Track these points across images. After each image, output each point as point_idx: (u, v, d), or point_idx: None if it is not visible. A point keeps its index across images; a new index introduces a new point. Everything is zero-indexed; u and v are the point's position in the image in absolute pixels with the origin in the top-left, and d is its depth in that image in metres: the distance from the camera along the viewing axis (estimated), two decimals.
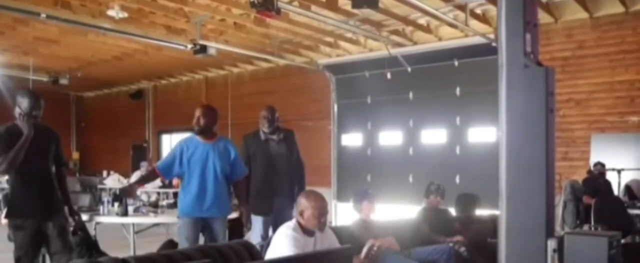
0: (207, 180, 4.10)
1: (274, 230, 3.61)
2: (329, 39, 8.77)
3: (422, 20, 7.78)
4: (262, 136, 5.06)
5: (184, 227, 4.13)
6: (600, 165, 6.72)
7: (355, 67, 9.36)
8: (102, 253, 4.41)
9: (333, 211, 9.34)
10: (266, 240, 4.01)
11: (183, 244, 4.05)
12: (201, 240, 6.36)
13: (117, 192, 6.29)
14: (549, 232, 1.62)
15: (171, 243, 5.16)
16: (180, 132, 13.07)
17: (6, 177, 4.23)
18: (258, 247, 3.60)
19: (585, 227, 6.40)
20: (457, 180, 8.01)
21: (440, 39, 8.23)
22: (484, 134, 7.97)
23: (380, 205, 4.90)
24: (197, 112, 4.15)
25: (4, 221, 3.75)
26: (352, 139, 9.70)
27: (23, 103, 3.64)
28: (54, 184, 3.79)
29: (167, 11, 6.94)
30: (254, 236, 5.03)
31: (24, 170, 3.60)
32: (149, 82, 13.44)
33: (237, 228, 6.23)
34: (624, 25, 6.97)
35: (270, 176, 5.00)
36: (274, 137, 5.07)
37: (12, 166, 3.56)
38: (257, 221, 5.01)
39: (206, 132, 4.16)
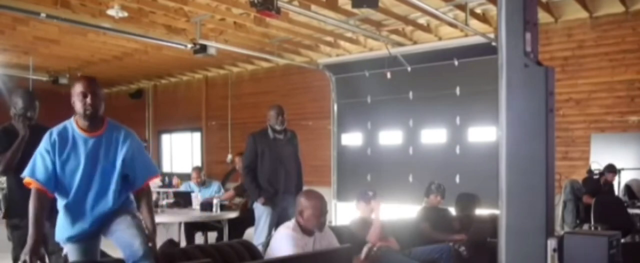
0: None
1: (277, 227, 3.63)
2: (329, 39, 8.76)
3: (422, 20, 7.77)
4: (271, 135, 5.08)
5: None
6: (604, 169, 6.65)
7: (355, 66, 9.34)
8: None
9: (333, 211, 9.34)
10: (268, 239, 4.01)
11: None
12: (200, 240, 6.35)
13: None
14: (549, 232, 1.62)
15: (171, 243, 5.15)
16: (181, 132, 13.11)
17: (5, 177, 4.23)
18: (260, 247, 3.60)
19: (585, 227, 6.40)
20: (457, 179, 8.00)
21: (440, 39, 8.22)
22: (483, 134, 7.96)
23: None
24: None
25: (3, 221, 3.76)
26: (352, 139, 9.69)
27: (17, 103, 3.65)
28: None
29: (167, 11, 6.93)
30: (259, 231, 5.05)
31: (21, 171, 3.60)
32: (149, 82, 13.42)
33: (239, 226, 6.24)
34: (624, 25, 6.96)
35: (280, 174, 5.04)
36: (282, 136, 5.10)
37: (9, 167, 3.56)
38: (263, 216, 5.03)
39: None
